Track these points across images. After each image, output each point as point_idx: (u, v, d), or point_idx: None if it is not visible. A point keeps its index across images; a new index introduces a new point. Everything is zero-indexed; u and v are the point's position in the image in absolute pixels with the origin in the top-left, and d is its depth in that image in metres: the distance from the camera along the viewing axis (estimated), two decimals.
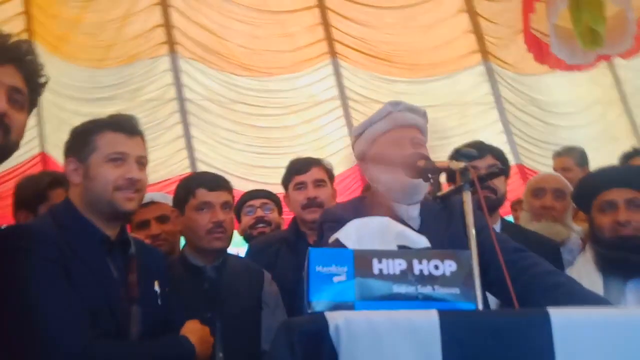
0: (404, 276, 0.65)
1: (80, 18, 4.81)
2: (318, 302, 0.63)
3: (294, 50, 5.37)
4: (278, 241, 2.11)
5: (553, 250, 2.02)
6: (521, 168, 5.88)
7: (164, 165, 5.31)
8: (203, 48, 5.22)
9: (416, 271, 0.65)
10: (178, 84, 5.33)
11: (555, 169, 2.97)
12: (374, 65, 5.41)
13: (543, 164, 5.59)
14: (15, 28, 4.83)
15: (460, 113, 5.56)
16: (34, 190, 1.78)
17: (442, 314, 0.60)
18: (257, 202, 2.51)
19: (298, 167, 2.12)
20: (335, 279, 0.64)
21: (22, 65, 1.09)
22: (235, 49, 5.25)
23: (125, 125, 1.36)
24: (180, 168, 5.55)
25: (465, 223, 1.23)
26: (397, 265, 0.65)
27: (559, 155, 3.07)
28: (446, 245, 1.30)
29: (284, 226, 2.51)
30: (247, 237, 2.50)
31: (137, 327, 1.31)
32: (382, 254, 0.66)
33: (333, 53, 5.43)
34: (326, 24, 5.31)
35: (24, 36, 4.68)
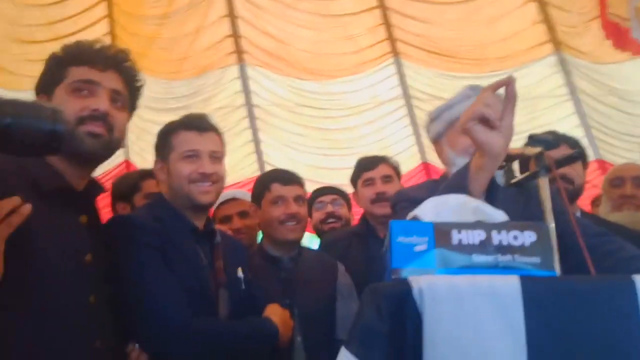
0: (483, 246, 0.67)
1: (156, 34, 5.17)
2: (401, 269, 0.68)
3: (357, 52, 5.43)
4: (349, 236, 2.17)
5: (637, 241, 1.91)
6: (601, 163, 5.53)
7: (235, 169, 5.55)
8: (268, 55, 5.42)
9: (495, 241, 0.67)
10: (246, 91, 5.57)
11: None
12: (437, 62, 5.34)
13: (626, 158, 5.22)
14: None
15: (531, 107, 5.34)
16: (128, 183, 2.02)
17: (524, 279, 0.62)
18: (327, 198, 2.60)
19: (366, 164, 2.18)
20: (417, 248, 0.68)
21: (121, 70, 1.21)
22: (299, 54, 5.40)
23: (196, 123, 1.48)
24: (250, 171, 5.78)
25: (542, 209, 1.22)
26: (476, 236, 0.68)
27: None
28: None
29: (354, 222, 2.57)
30: (319, 232, 2.60)
31: (225, 308, 1.42)
32: (461, 226, 0.69)
33: (395, 52, 5.43)
34: (387, 24, 5.32)
35: None
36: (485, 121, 0.92)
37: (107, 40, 5.12)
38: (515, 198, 1.40)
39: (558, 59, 5.40)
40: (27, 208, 0.86)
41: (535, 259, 0.66)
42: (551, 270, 0.66)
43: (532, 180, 1.31)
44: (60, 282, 1.05)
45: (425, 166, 5.78)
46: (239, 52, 5.39)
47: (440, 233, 0.69)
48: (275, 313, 1.49)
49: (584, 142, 5.15)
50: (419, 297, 0.62)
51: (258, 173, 5.78)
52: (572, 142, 1.96)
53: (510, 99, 0.95)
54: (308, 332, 1.70)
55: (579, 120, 5.57)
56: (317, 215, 2.61)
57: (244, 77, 5.51)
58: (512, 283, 0.62)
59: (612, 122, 5.56)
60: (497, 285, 0.62)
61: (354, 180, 2.23)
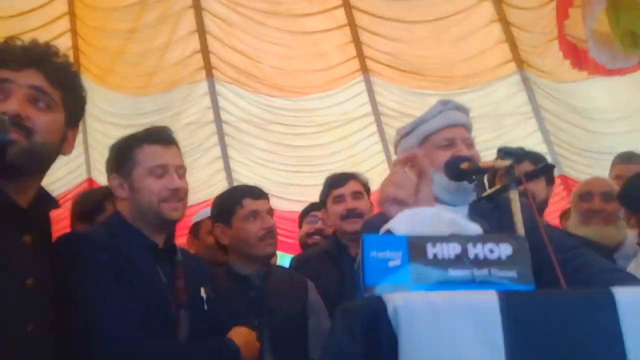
0: (459, 260, 0.65)
1: (124, 49, 5.07)
2: (374, 287, 0.64)
3: (327, 69, 5.45)
4: (320, 255, 2.14)
5: (605, 256, 1.94)
6: (564, 179, 5.68)
7: (204, 186, 5.44)
8: (238, 71, 5.38)
9: (471, 255, 0.65)
10: (215, 107, 5.50)
11: (619, 176, 2.80)
12: (406, 79, 5.41)
13: (587, 174, 5.38)
14: None
15: (497, 124, 5.47)
16: (92, 202, 1.89)
17: (501, 295, 0.59)
18: (320, 214, 2.56)
19: (335, 181, 2.17)
20: (390, 263, 0.65)
21: (44, 67, 1.07)
22: (269, 70, 5.38)
23: (161, 137, 1.44)
24: (219, 189, 5.65)
25: (514, 221, 1.22)
26: (451, 250, 0.65)
27: (627, 161, 2.84)
28: None
29: None
30: (302, 245, 2.57)
31: (185, 330, 1.36)
32: (436, 239, 0.66)
33: (365, 69, 5.48)
34: (357, 42, 5.38)
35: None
36: (398, 201, 0.91)
37: (71, 55, 4.98)
38: (489, 212, 1.39)
39: (521, 77, 5.56)
40: None
41: (512, 273, 0.64)
42: (529, 284, 0.64)
43: (502, 194, 1.31)
44: None
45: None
46: (208, 68, 5.33)
47: (414, 247, 0.66)
48: (238, 335, 1.44)
49: (548, 159, 5.31)
50: (394, 316, 0.59)
51: None
52: (535, 158, 2.00)
53: (421, 173, 0.96)
54: (280, 352, 1.65)
55: (542, 137, 5.74)
56: (305, 228, 2.58)
57: (213, 93, 5.44)
58: (489, 299, 0.59)
59: (573, 139, 5.75)
60: (475, 301, 0.59)
61: (323, 198, 2.21)
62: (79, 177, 5.81)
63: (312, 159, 5.66)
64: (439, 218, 0.75)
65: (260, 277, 1.80)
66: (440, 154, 1.40)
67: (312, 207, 2.66)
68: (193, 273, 1.49)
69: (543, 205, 2.00)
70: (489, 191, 1.32)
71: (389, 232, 0.76)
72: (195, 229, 2.36)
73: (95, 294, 1.22)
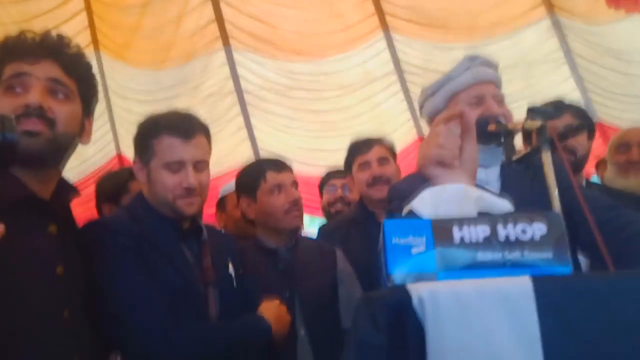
0: (488, 243, 0.60)
1: (138, 24, 5.02)
2: (398, 275, 0.61)
3: (345, 29, 5.27)
4: (347, 223, 2.11)
5: None
6: (600, 125, 5.43)
7: (229, 157, 5.46)
8: (255, 38, 5.27)
9: (501, 237, 0.61)
10: (235, 77, 5.43)
11: None
12: (428, 33, 5.19)
13: (624, 119, 5.13)
14: (81, 42, 5.14)
15: (526, 74, 5.22)
16: (115, 183, 1.91)
17: (536, 280, 0.55)
18: (338, 182, 2.55)
19: (360, 147, 2.10)
20: (414, 250, 0.61)
21: (59, 58, 1.08)
22: (287, 35, 5.25)
23: (181, 128, 1.36)
24: (244, 158, 5.68)
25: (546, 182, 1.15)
26: (480, 232, 0.61)
27: None
28: (532, 207, 1.23)
29: None
30: (326, 215, 2.56)
31: (215, 308, 1.37)
32: (462, 221, 0.62)
33: (385, 26, 5.27)
34: None
35: (90, 48, 4.97)
36: (442, 163, 0.85)
37: (86, 37, 4.98)
38: (521, 172, 1.33)
39: (551, 22, 5.25)
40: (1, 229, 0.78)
41: (547, 254, 0.60)
42: (565, 265, 0.59)
43: (535, 155, 1.24)
44: (31, 299, 0.98)
45: (422, 140, 5.70)
46: (224, 36, 5.24)
47: (439, 231, 0.62)
48: (268, 309, 1.44)
49: (583, 107, 5.06)
50: (420, 307, 0.56)
51: (253, 159, 5.69)
52: (576, 111, 1.89)
53: (467, 131, 0.89)
54: (313, 321, 1.66)
55: (575, 83, 5.46)
56: (327, 198, 2.56)
57: (231, 63, 5.37)
58: (523, 285, 0.55)
59: (608, 84, 5.46)
60: (507, 288, 0.55)
61: (347, 164, 2.15)
62: (109, 154, 5.92)
63: (335, 122, 5.57)
64: (465, 195, 0.70)
65: (289, 250, 1.79)
66: (471, 113, 1.32)
67: (329, 176, 2.62)
68: (220, 250, 1.49)
69: (584, 160, 1.90)
70: (519, 154, 1.25)
71: (411, 213, 0.72)
72: (221, 204, 2.37)
73: (122, 281, 1.23)
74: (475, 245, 0.60)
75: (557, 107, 1.81)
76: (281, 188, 1.76)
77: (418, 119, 5.61)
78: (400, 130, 5.60)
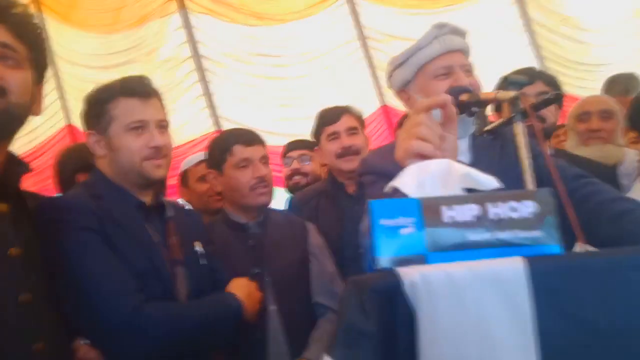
0: (478, 222, 0.58)
1: None
2: (385, 258, 0.58)
3: None
4: (317, 194, 2.07)
5: (608, 174, 1.91)
6: None
7: (189, 125, 5.30)
8: (212, 0, 5.03)
9: (491, 215, 0.58)
10: (192, 42, 5.20)
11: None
12: None
13: (580, 87, 5.30)
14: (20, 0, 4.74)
15: (487, 42, 5.26)
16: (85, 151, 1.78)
17: (528, 260, 0.54)
18: (294, 154, 2.51)
19: (328, 117, 2.04)
20: (402, 231, 0.58)
21: (7, 20, 0.98)
22: None
23: (138, 89, 1.30)
24: (205, 127, 5.52)
25: (519, 155, 1.15)
26: (469, 211, 0.58)
27: (625, 93, 2.73)
28: (501, 176, 1.24)
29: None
30: (289, 189, 2.53)
31: (184, 288, 1.32)
32: (452, 200, 0.59)
33: None
34: None
35: (31, 8, 4.59)
36: (422, 156, 0.81)
37: None
38: (490, 142, 1.32)
39: None
40: None
41: (537, 232, 0.58)
42: (556, 243, 0.58)
43: (507, 126, 1.23)
44: None
45: (385, 109, 5.70)
46: None
47: (429, 211, 0.59)
48: (239, 287, 1.40)
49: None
50: (411, 291, 0.53)
51: (214, 128, 5.54)
52: (548, 79, 1.90)
53: (449, 120, 0.85)
54: (283, 297, 1.64)
55: (534, 51, 5.56)
56: (285, 172, 2.53)
57: (188, 27, 5.13)
58: (515, 266, 0.53)
59: (565, 52, 5.59)
60: (499, 270, 0.53)
61: (316, 135, 2.09)
62: (58, 123, 5.61)
63: (298, 89, 5.48)
64: (449, 172, 0.67)
65: (258, 225, 1.74)
66: (437, 84, 1.29)
67: (287, 148, 2.60)
68: (186, 227, 1.42)
69: (552, 128, 1.93)
70: (492, 125, 1.24)
71: (395, 190, 0.69)
72: (184, 178, 2.28)
73: (85, 262, 1.16)
74: (465, 225, 0.58)
75: (530, 75, 1.81)
76: (248, 163, 1.69)
77: (381, 87, 5.60)
78: (362, 98, 5.57)
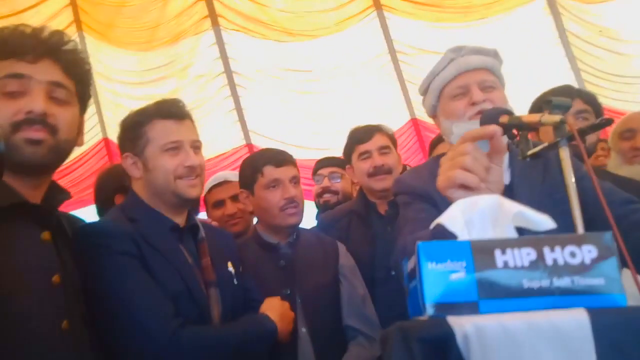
0: (534, 267, 0.55)
1: (123, 2, 4.84)
2: (436, 305, 0.55)
3: (337, 8, 5.15)
4: (347, 214, 2.04)
5: None
6: None
7: (220, 139, 5.36)
8: (245, 18, 5.12)
9: (549, 261, 0.55)
10: (224, 58, 5.29)
11: None
12: (422, 13, 5.09)
13: (618, 100, 5.12)
14: (63, 21, 4.93)
15: (522, 54, 5.16)
16: (118, 173, 1.80)
17: (593, 314, 0.50)
18: (325, 171, 2.49)
19: (360, 136, 2.01)
20: (453, 276, 0.55)
21: (59, 57, 1.02)
22: (277, 14, 5.10)
23: (172, 111, 1.34)
24: (235, 140, 5.59)
25: (564, 180, 1.10)
26: (525, 255, 0.55)
27: None
28: (543, 199, 1.19)
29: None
30: (317, 206, 2.52)
31: (218, 308, 1.32)
32: (505, 243, 0.56)
33: (378, 5, 5.15)
34: None
35: (72, 28, 4.78)
36: (466, 187, 0.78)
37: (68, 16, 4.78)
38: (533, 164, 1.27)
39: (547, 1, 5.18)
40: None
41: (599, 280, 0.54)
42: (619, 292, 0.54)
43: (551, 151, 1.19)
44: (27, 309, 0.92)
45: (414, 122, 5.64)
46: (212, 16, 5.08)
47: (480, 254, 0.56)
48: (272, 308, 1.39)
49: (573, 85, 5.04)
50: (464, 345, 0.50)
51: (244, 142, 5.59)
52: (586, 97, 1.83)
53: (496, 152, 0.82)
54: (314, 318, 1.61)
55: (569, 64, 5.42)
56: (315, 189, 2.52)
57: (220, 43, 5.22)
58: (580, 320, 0.49)
59: (602, 64, 5.43)
60: (561, 323, 0.49)
61: (347, 153, 2.07)
62: (95, 137, 5.78)
63: (328, 104, 5.48)
64: (500, 209, 0.64)
65: (290, 245, 1.73)
66: (455, 105, 1.27)
67: (318, 165, 2.58)
68: (219, 248, 1.43)
69: (593, 148, 1.86)
70: (536, 148, 1.19)
71: (440, 227, 0.66)
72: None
73: (122, 287, 1.17)
74: (520, 270, 0.55)
75: (568, 93, 1.76)
76: (278, 183, 1.68)
77: (410, 100, 5.55)
78: (393, 111, 5.53)
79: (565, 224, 1.05)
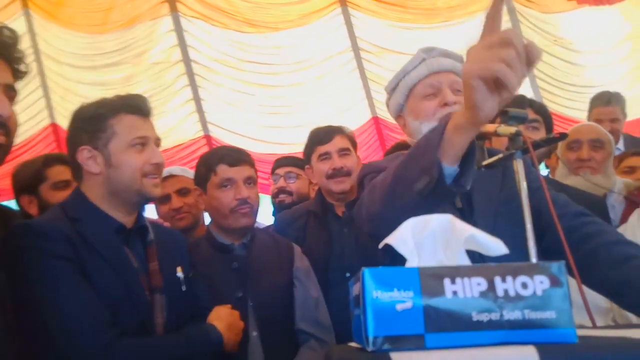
0: (485, 299, 0.52)
1: None
2: (379, 338, 0.51)
3: (301, 2, 5.07)
4: (304, 214, 2.00)
5: (598, 206, 1.87)
6: None
7: (176, 130, 5.19)
8: (205, 5, 4.95)
9: (500, 292, 0.52)
10: (183, 45, 5.11)
11: (599, 120, 2.72)
12: (387, 12, 5.09)
13: (570, 108, 5.31)
14: None
15: None
16: (30, 172, 1.73)
17: (542, 351, 0.47)
18: (281, 171, 2.46)
19: (320, 137, 1.98)
20: (399, 306, 0.51)
21: (10, 59, 0.99)
22: (239, 3, 4.97)
23: (140, 107, 1.29)
24: (192, 132, 5.42)
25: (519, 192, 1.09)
26: (475, 285, 0.52)
27: (606, 104, 2.78)
28: (500, 208, 1.19)
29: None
30: (272, 204, 2.48)
31: (162, 316, 1.24)
32: (455, 272, 0.52)
33: (343, 2, 5.11)
34: None
35: (17, 4, 4.46)
36: (491, 82, 0.72)
37: None
38: (491, 174, 1.26)
39: (507, 7, 5.29)
40: None
41: (550, 313, 0.51)
42: (569, 327, 0.51)
43: (505, 163, 1.18)
44: None
45: (376, 120, 5.66)
46: (171, 1, 4.89)
47: (428, 282, 0.52)
48: (220, 318, 1.34)
49: (529, 92, 5.20)
50: None
51: (201, 133, 5.44)
52: (537, 107, 1.86)
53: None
54: (266, 322, 1.57)
55: None
56: (272, 189, 2.48)
57: (179, 30, 5.03)
58: (527, 358, 0.46)
59: (557, 72, 5.61)
60: None
61: (307, 154, 2.03)
62: (42, 122, 5.46)
63: (288, 98, 5.41)
64: (452, 231, 0.60)
65: (244, 247, 1.67)
66: (425, 104, 1.24)
67: (276, 164, 2.54)
68: (168, 251, 1.35)
69: (544, 156, 1.89)
70: (490, 159, 1.18)
71: (389, 247, 0.62)
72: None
73: (53, 293, 1.08)
74: (470, 302, 0.51)
75: (520, 103, 1.78)
76: (231, 183, 1.62)
77: (372, 98, 5.56)
78: (354, 109, 5.52)
79: (521, 233, 1.05)
